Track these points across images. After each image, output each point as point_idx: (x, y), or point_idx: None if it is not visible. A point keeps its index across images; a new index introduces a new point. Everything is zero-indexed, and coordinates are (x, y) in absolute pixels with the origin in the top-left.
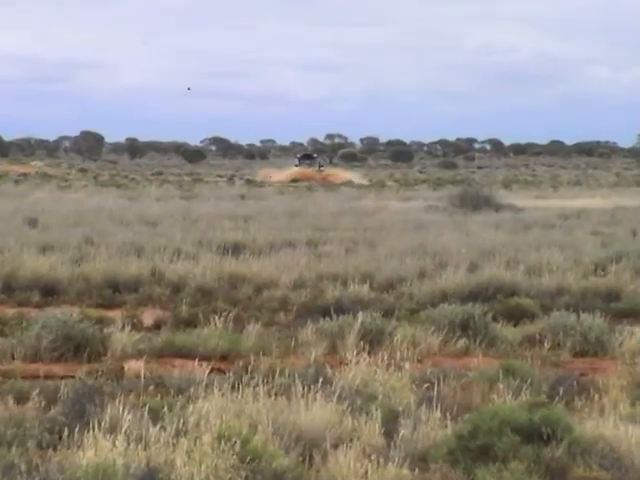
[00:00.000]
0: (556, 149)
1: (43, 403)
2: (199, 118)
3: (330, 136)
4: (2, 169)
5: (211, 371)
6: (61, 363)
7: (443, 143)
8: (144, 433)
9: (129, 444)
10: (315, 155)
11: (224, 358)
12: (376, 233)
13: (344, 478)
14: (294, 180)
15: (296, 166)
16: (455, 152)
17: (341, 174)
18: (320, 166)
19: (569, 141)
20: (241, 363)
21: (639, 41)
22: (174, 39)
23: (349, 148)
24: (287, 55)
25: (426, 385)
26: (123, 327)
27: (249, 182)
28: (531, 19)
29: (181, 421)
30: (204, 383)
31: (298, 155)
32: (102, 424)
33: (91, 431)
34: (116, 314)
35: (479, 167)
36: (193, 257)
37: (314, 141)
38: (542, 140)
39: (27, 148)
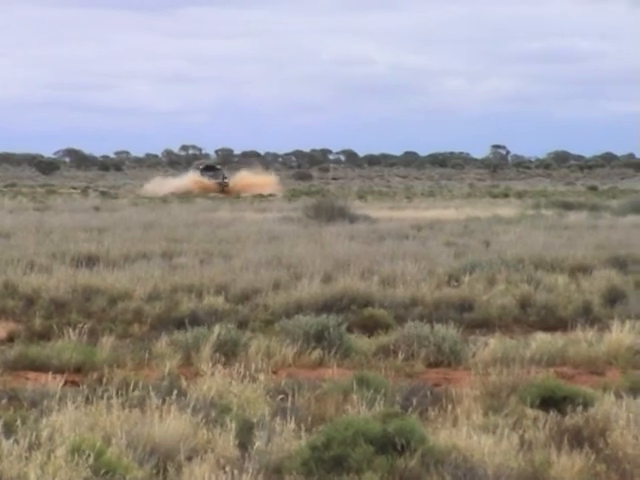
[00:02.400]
0: (410, 160)
1: None
2: (53, 130)
3: (185, 147)
4: None
5: (65, 384)
6: None
7: (298, 154)
8: None
9: None
10: (218, 167)
11: (78, 371)
12: (231, 244)
13: None
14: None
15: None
16: (310, 163)
17: (256, 180)
18: (224, 178)
19: (423, 152)
20: (95, 376)
21: (494, 53)
22: (29, 50)
23: (204, 159)
24: (141, 67)
25: (280, 396)
26: None
27: (103, 194)
28: (387, 31)
29: (34, 434)
30: (58, 396)
31: (200, 166)
32: None
33: None
34: None
35: (334, 178)
36: (47, 269)
37: (169, 152)
38: (396, 151)
39: None
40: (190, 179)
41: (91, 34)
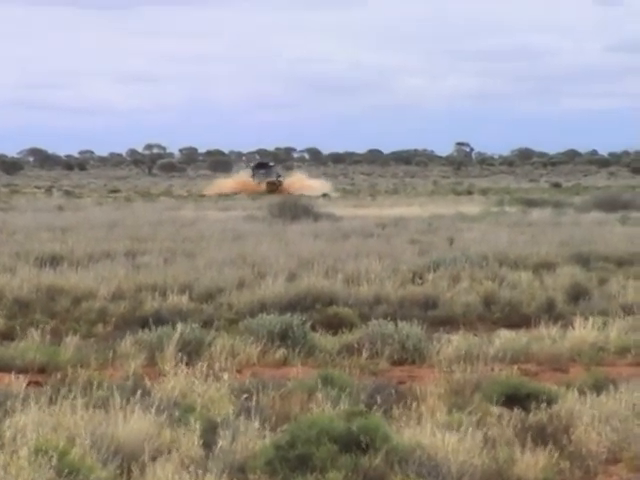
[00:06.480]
0: (374, 158)
1: None
2: (16, 129)
3: (149, 146)
4: None
5: (28, 384)
6: None
7: (262, 152)
8: None
9: None
10: (271, 164)
11: (42, 371)
12: (195, 243)
13: None
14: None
15: (252, 177)
16: (274, 162)
17: (310, 183)
18: (278, 176)
19: (387, 150)
20: (59, 376)
21: (455, 51)
22: None
23: (168, 158)
24: (105, 66)
25: (245, 395)
26: None
27: (67, 193)
28: (348, 29)
29: None
30: (21, 396)
31: (251, 164)
32: None
33: None
34: None
35: None
36: (10, 269)
37: (133, 152)
38: (360, 149)
39: None
40: (242, 178)
41: (53, 33)
